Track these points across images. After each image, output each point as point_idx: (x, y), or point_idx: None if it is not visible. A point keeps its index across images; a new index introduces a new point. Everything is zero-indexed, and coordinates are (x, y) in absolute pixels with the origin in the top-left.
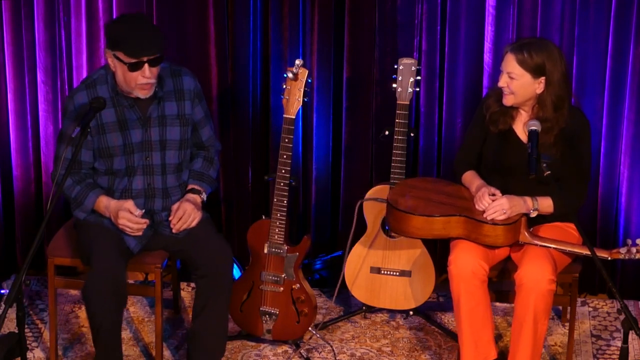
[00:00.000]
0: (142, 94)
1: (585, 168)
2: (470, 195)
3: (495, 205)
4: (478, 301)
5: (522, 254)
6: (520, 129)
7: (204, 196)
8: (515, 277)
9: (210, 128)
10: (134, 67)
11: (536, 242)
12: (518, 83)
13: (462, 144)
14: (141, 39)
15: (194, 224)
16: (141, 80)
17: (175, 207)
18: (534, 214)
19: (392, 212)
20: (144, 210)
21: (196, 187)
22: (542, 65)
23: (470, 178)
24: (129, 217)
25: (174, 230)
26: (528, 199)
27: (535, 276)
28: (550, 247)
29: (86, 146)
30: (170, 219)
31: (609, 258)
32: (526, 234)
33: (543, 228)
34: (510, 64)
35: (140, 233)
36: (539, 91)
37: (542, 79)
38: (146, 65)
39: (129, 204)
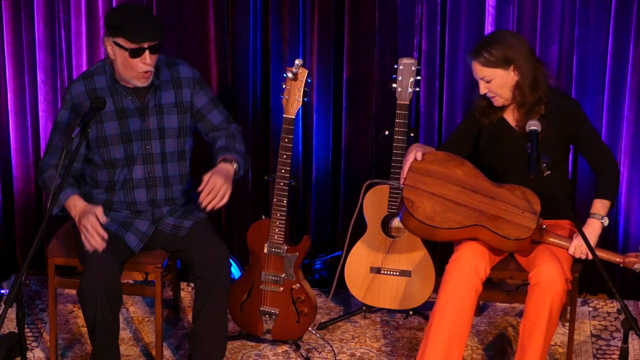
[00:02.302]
0: (141, 83)
1: (601, 143)
2: (483, 183)
3: (576, 252)
4: (465, 313)
5: (533, 253)
6: (510, 116)
7: (236, 166)
8: (530, 277)
9: (220, 112)
10: (135, 54)
11: (551, 239)
12: (496, 82)
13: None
14: (142, 25)
15: (224, 201)
16: (141, 68)
17: (206, 177)
18: (606, 222)
19: (408, 217)
20: (109, 219)
21: (227, 156)
22: (505, 55)
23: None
24: (94, 221)
25: (207, 208)
26: (591, 222)
27: (552, 275)
28: (563, 245)
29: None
30: (199, 189)
31: (621, 264)
32: (540, 233)
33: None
34: (478, 70)
35: (92, 247)
36: (516, 78)
37: (512, 66)
38: (147, 52)
39: (99, 208)
